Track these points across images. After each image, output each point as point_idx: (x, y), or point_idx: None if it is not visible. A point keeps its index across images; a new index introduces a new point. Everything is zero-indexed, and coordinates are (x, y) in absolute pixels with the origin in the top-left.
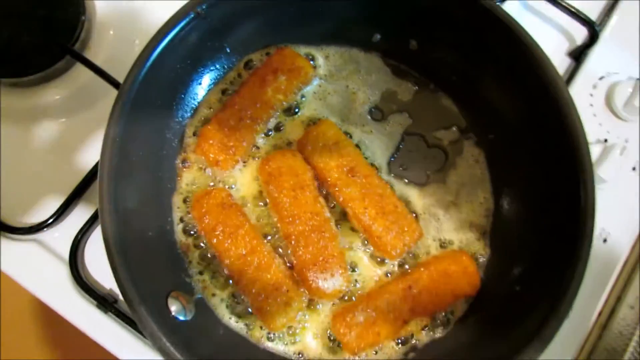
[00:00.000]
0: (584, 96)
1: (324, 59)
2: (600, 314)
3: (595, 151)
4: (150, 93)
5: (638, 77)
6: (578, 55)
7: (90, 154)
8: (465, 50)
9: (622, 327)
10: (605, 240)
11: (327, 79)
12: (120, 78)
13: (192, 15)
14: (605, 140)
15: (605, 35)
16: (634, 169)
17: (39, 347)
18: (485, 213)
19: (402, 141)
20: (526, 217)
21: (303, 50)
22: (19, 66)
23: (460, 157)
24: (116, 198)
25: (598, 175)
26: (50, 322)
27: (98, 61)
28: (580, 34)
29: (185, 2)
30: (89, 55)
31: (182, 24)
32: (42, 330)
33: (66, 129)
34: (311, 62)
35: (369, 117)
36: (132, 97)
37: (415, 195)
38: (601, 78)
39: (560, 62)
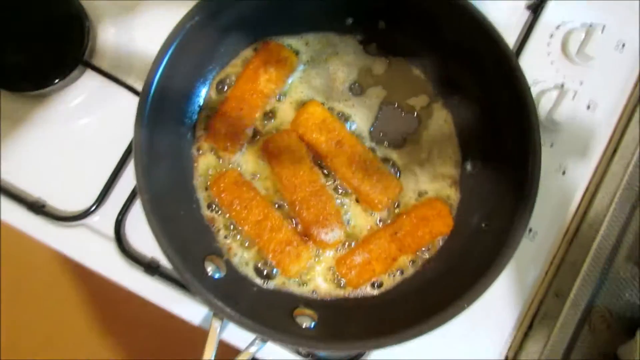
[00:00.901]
0: (542, 45)
1: (305, 46)
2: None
3: (553, 96)
4: (164, 98)
5: (590, 23)
6: (536, 8)
7: (117, 146)
8: (427, 29)
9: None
10: (564, 173)
11: (310, 64)
12: (127, 76)
13: (189, 27)
14: (562, 85)
15: None
16: (588, 107)
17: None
18: (455, 165)
19: (380, 111)
20: (487, 166)
21: (286, 41)
22: (40, 80)
23: (431, 120)
24: (150, 184)
25: (554, 119)
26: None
27: (105, 65)
28: None
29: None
30: (97, 60)
31: (182, 34)
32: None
33: (90, 126)
34: (294, 52)
35: (350, 93)
36: (150, 103)
37: (394, 156)
38: (557, 27)
39: (520, 15)
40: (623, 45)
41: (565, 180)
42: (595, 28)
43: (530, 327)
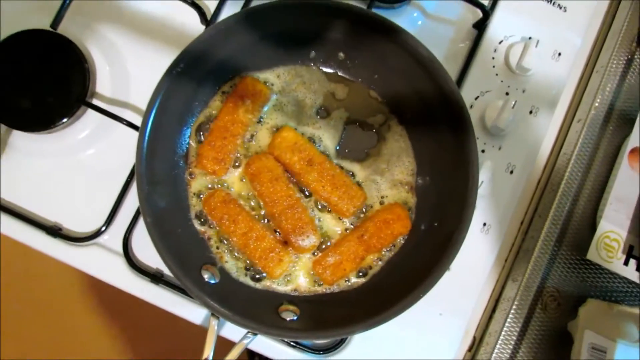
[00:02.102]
0: (488, 59)
1: (276, 79)
2: (521, 223)
3: (498, 105)
4: (159, 134)
5: (528, 36)
6: (479, 26)
7: (120, 172)
8: (377, 59)
9: (533, 232)
10: (512, 172)
11: (281, 93)
12: (124, 111)
13: (175, 73)
14: (507, 94)
15: (499, 7)
16: (530, 112)
17: (99, 320)
18: (410, 172)
19: (344, 130)
20: (437, 173)
21: (260, 75)
22: (48, 120)
23: (388, 135)
24: (151, 208)
25: (498, 126)
26: (108, 299)
27: (104, 102)
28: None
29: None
30: (98, 99)
31: (169, 80)
32: (102, 307)
33: (96, 156)
34: (267, 84)
35: (317, 117)
36: (146, 141)
37: (358, 169)
38: (500, 42)
39: (466, 32)
40: (559, 54)
41: (514, 178)
42: (532, 41)
43: (493, 310)
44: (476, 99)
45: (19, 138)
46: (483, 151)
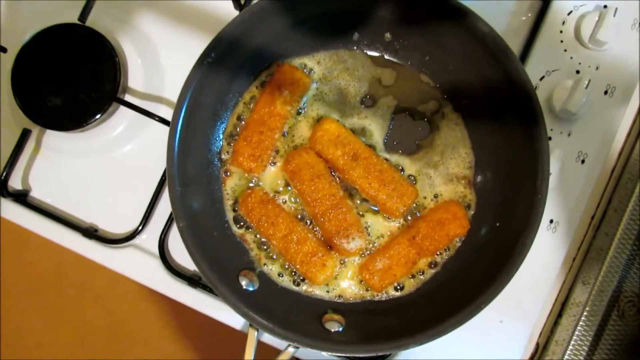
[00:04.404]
0: (555, 33)
1: (317, 65)
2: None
3: (568, 84)
4: (190, 130)
5: (604, 5)
6: None
7: (155, 170)
8: (431, 39)
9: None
10: (583, 161)
11: (322, 82)
12: (157, 107)
13: (206, 63)
14: (578, 72)
15: None
16: (605, 92)
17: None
18: (468, 165)
19: (392, 120)
20: (498, 165)
21: (298, 61)
22: (81, 119)
23: (442, 123)
24: (184, 212)
25: (568, 110)
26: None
27: (137, 97)
28: None
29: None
30: (130, 93)
31: (201, 71)
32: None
33: (130, 154)
34: (306, 72)
35: (362, 106)
36: (178, 138)
37: (408, 163)
38: (569, 13)
39: (529, 3)
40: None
41: (585, 168)
42: (609, 9)
43: (559, 315)
44: (542, 79)
45: (52, 137)
46: (550, 138)
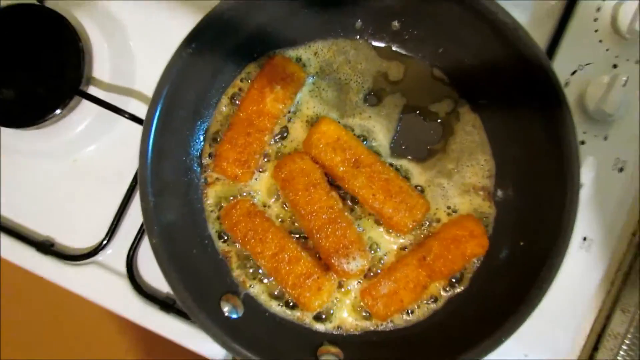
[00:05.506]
0: (588, 21)
1: (313, 57)
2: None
3: (603, 80)
4: (167, 129)
5: None
6: None
7: (123, 174)
8: (445, 29)
9: None
10: (621, 169)
11: (320, 75)
12: (126, 103)
13: (186, 55)
14: (615, 66)
15: None
16: None
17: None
18: (487, 174)
19: (399, 121)
20: (521, 175)
21: (291, 53)
22: (37, 114)
23: (457, 126)
24: (158, 225)
25: (604, 110)
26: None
27: (103, 89)
28: None
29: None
30: (95, 85)
31: (180, 63)
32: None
33: (94, 156)
34: (301, 64)
35: (366, 104)
36: (153, 138)
37: (418, 170)
38: None
39: None
40: None
41: (624, 177)
42: None
43: (595, 348)
44: (573, 74)
45: (3, 135)
46: (583, 142)
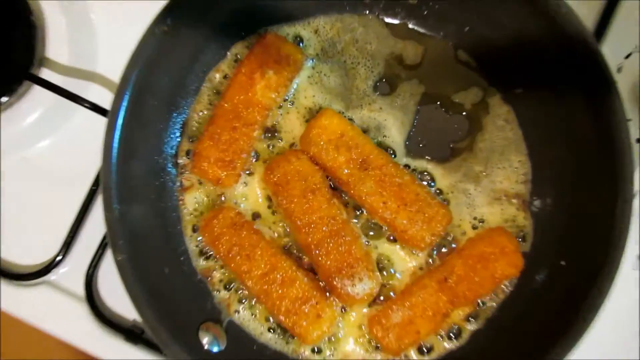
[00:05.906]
0: None
1: (313, 34)
2: None
3: None
4: (138, 121)
5: None
6: None
7: (84, 176)
8: (474, 1)
9: None
10: None
11: (321, 58)
12: (86, 89)
13: (159, 33)
14: None
15: None
16: None
17: None
18: (522, 179)
19: (417, 114)
20: (563, 180)
21: (287, 30)
22: None
23: (487, 120)
24: (125, 240)
25: None
26: None
27: (59, 73)
28: None
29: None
30: (50, 68)
31: (153, 43)
32: None
33: (48, 152)
34: (299, 44)
35: (376, 93)
36: (120, 132)
37: (439, 173)
38: None
39: None
40: None
41: None
42: None
43: None
44: (627, 57)
45: None
46: (639, 140)
